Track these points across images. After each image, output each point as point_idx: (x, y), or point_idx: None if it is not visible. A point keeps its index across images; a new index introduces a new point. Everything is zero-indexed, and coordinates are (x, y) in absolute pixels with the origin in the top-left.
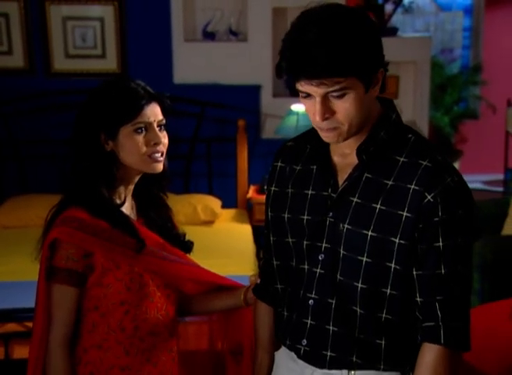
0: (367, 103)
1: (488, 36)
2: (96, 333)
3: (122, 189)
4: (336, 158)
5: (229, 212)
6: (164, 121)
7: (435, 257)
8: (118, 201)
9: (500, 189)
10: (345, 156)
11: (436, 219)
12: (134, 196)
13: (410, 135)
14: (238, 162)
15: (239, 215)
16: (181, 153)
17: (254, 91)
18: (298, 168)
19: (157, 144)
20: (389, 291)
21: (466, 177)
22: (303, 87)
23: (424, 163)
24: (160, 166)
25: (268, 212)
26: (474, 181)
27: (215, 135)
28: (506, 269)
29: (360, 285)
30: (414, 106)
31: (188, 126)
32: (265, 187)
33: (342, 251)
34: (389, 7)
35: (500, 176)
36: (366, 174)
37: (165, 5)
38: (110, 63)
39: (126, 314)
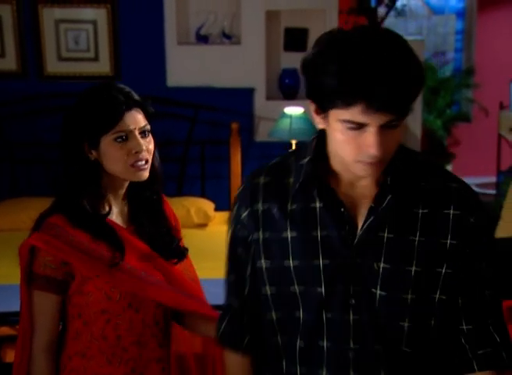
0: None
1: (480, 39)
2: (80, 341)
3: (110, 197)
4: (343, 192)
5: (223, 215)
6: (147, 127)
7: (480, 280)
8: (104, 210)
9: (493, 192)
10: (355, 188)
11: (482, 240)
12: (127, 201)
13: (418, 158)
14: (231, 164)
15: None
16: (174, 156)
17: (247, 93)
18: (292, 208)
19: (138, 152)
20: (433, 322)
21: None
22: (357, 116)
23: (454, 185)
24: (145, 174)
25: (261, 262)
26: None
27: (208, 138)
28: (499, 272)
29: (406, 324)
30: None
31: (181, 129)
32: (237, 233)
33: (378, 292)
34: (381, 10)
35: (493, 179)
36: (393, 205)
37: (159, 8)
38: (103, 66)
39: (108, 323)
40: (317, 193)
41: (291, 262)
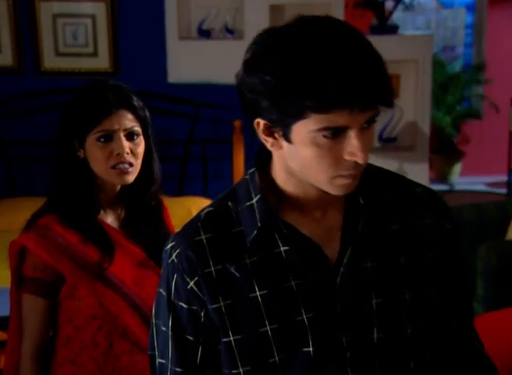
0: None
1: (491, 33)
2: (70, 348)
3: (103, 199)
4: (305, 227)
5: None
6: (136, 129)
7: (466, 291)
8: (96, 211)
9: (504, 191)
10: (317, 218)
11: (459, 246)
12: (124, 205)
13: (373, 167)
14: (234, 163)
15: None
16: (175, 154)
17: None
18: (250, 261)
19: (120, 154)
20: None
21: (468, 179)
22: (337, 120)
23: (419, 190)
24: (127, 178)
25: (229, 339)
26: (477, 183)
27: (210, 136)
28: (511, 275)
29: (412, 363)
30: (415, 106)
31: (183, 127)
32: (180, 314)
33: (376, 336)
34: (389, 4)
35: (504, 178)
36: (367, 228)
37: (159, 2)
38: (102, 62)
39: (99, 330)
40: (278, 235)
41: (268, 327)
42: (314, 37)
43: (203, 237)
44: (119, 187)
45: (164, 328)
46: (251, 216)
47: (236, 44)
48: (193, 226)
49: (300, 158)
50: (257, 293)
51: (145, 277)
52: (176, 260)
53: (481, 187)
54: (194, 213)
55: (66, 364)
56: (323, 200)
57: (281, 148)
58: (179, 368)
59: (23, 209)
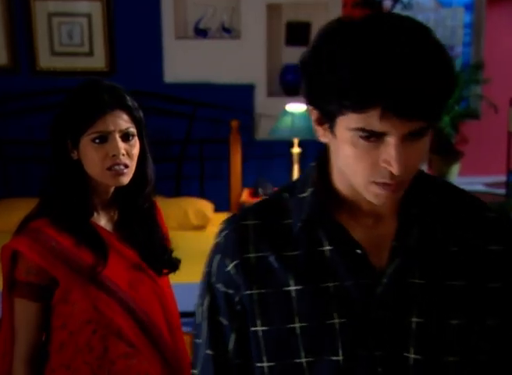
0: None
1: (490, 33)
2: (64, 353)
3: (96, 201)
4: (356, 229)
5: (222, 217)
6: (131, 130)
7: None
8: (89, 213)
9: (503, 191)
10: (371, 223)
11: None
12: (117, 208)
13: (437, 180)
14: (231, 164)
15: None
16: (172, 155)
17: (247, 90)
18: (293, 254)
19: (116, 155)
20: None
21: (467, 179)
22: (374, 123)
23: (491, 216)
24: (123, 179)
25: (256, 328)
26: (476, 183)
27: (207, 136)
28: None
29: None
30: None
31: (179, 127)
32: (217, 295)
33: (412, 356)
34: (387, 3)
35: (502, 178)
36: (421, 243)
37: (155, 1)
38: (98, 61)
39: (94, 333)
40: (324, 233)
41: (297, 324)
42: (372, 31)
43: (250, 222)
44: (112, 189)
45: (202, 308)
46: (300, 208)
47: (233, 44)
48: (245, 210)
49: (341, 155)
50: (292, 287)
51: (139, 280)
52: (220, 241)
53: (480, 188)
54: (191, 214)
55: (60, 369)
56: (375, 206)
57: (329, 140)
58: (210, 350)
59: (19, 210)
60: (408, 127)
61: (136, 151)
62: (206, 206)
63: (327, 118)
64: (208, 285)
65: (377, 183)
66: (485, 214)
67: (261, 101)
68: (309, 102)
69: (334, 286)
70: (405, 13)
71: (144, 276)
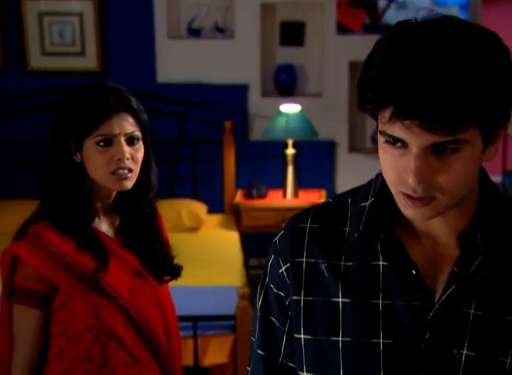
0: (479, 167)
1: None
2: (63, 361)
3: (98, 205)
4: (415, 248)
5: (216, 218)
6: (136, 133)
7: None
8: (90, 218)
9: None
10: (431, 244)
11: None
12: (119, 213)
13: (506, 198)
14: (225, 165)
15: (225, 221)
16: (165, 155)
17: (241, 90)
18: (346, 265)
19: (121, 159)
20: None
21: None
22: (395, 129)
23: None
24: (127, 184)
25: (300, 335)
26: None
27: (200, 137)
28: None
29: None
30: None
31: (172, 128)
32: (270, 295)
33: None
34: (382, 3)
35: (498, 179)
36: (484, 272)
37: (148, 0)
38: (90, 61)
39: (95, 342)
40: (381, 247)
41: (340, 337)
42: (414, 38)
43: (308, 225)
44: (114, 194)
45: (257, 307)
46: (360, 217)
47: (227, 44)
48: (305, 212)
49: (380, 161)
50: (340, 299)
51: (140, 287)
52: (277, 241)
53: None
54: (184, 216)
55: None
56: (436, 227)
57: None
58: (261, 351)
59: (9, 213)
60: (429, 139)
61: (140, 155)
62: (199, 208)
63: (374, 119)
64: (262, 284)
65: (403, 194)
66: None
67: (255, 101)
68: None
69: (384, 304)
70: (400, 13)
71: (144, 283)
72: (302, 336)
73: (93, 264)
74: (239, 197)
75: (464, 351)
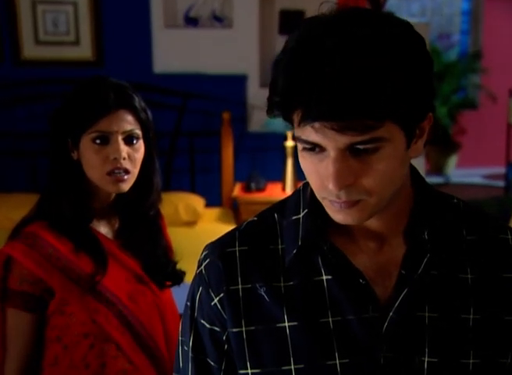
0: (405, 164)
1: (488, 20)
2: (59, 368)
3: (97, 205)
4: (358, 257)
5: (213, 212)
6: (136, 132)
7: None
8: (88, 218)
9: (501, 184)
10: (372, 251)
11: None
12: (119, 214)
13: (455, 200)
14: (223, 157)
15: (224, 215)
16: (161, 148)
17: (239, 80)
18: (287, 285)
19: (117, 159)
20: None
21: (464, 171)
22: (309, 133)
23: (506, 237)
24: (123, 187)
25: (247, 371)
26: (474, 175)
27: (198, 129)
28: None
29: None
30: None
31: (169, 119)
32: (202, 334)
33: None
34: None
35: (501, 170)
36: (431, 271)
37: None
38: (84, 51)
39: (91, 348)
40: (322, 261)
41: (292, 365)
42: (317, 31)
43: (237, 249)
44: (114, 195)
45: (186, 347)
46: (295, 232)
47: (225, 33)
48: (230, 235)
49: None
50: (286, 324)
51: (140, 292)
52: (203, 271)
53: (478, 180)
54: (181, 210)
55: None
56: (375, 229)
57: None
58: None
59: (2, 206)
60: (344, 139)
61: (139, 155)
62: (197, 201)
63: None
64: (191, 321)
65: (330, 200)
66: (504, 237)
67: (254, 92)
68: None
69: (334, 321)
70: (401, 1)
71: (145, 289)
72: (249, 371)
73: (91, 267)
74: (237, 190)
75: (426, 359)
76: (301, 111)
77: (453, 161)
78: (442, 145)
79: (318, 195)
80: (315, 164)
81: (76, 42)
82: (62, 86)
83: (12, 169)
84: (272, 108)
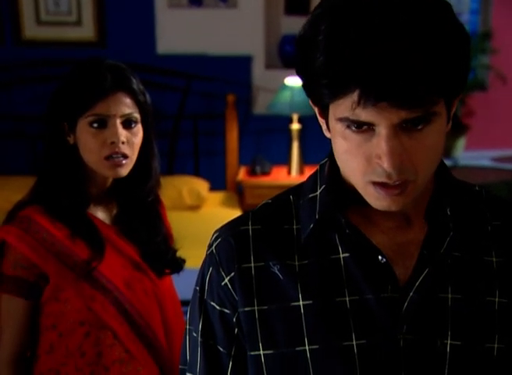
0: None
1: (498, 0)
2: (54, 356)
3: (94, 190)
4: (377, 234)
5: (218, 196)
6: (135, 115)
7: None
8: (84, 203)
9: (511, 166)
10: (392, 231)
11: None
12: (116, 199)
13: (476, 188)
14: (227, 140)
15: (228, 198)
16: (165, 131)
17: (244, 62)
18: (302, 264)
19: (115, 143)
20: None
21: (473, 154)
22: (359, 113)
23: None
24: (121, 171)
25: (259, 352)
26: (482, 158)
27: (202, 111)
28: None
29: None
30: None
31: (172, 101)
32: (211, 314)
33: None
34: None
35: (511, 152)
36: (455, 251)
37: None
38: (86, 31)
39: (87, 337)
40: (339, 238)
41: (307, 346)
42: (357, 4)
43: (250, 227)
44: (110, 180)
45: (195, 334)
46: (311, 208)
47: (230, 13)
48: (243, 215)
49: (336, 151)
50: (301, 302)
51: (137, 280)
52: (214, 251)
53: (487, 163)
54: (185, 194)
55: (49, 374)
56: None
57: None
58: None
59: (2, 189)
60: (399, 115)
61: (138, 140)
62: (201, 185)
63: (321, 108)
64: (199, 304)
65: (375, 184)
66: None
67: (259, 73)
68: (305, 90)
69: (351, 300)
70: None
71: (142, 276)
72: (261, 352)
73: (87, 253)
74: (242, 174)
75: (448, 341)
76: (360, 91)
77: (461, 143)
78: (451, 127)
79: (361, 180)
80: (361, 145)
81: (78, 22)
82: (63, 67)
83: (13, 151)
84: (318, 92)
